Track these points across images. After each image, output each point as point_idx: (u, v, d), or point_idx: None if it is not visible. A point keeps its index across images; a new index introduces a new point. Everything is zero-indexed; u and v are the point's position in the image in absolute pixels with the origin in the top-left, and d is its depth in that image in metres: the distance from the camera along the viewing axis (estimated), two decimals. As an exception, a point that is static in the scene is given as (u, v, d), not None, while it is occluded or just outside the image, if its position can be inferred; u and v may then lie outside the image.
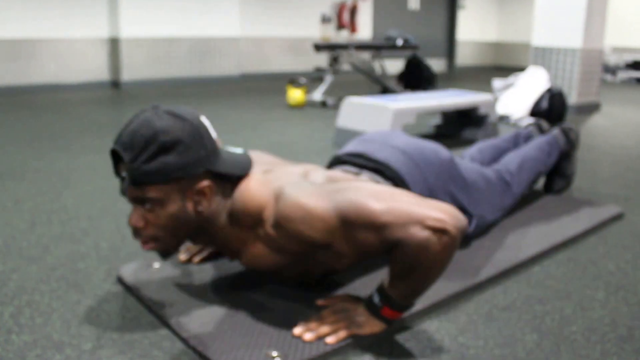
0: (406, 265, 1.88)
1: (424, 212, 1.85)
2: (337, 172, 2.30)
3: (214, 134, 2.04)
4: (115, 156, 1.97)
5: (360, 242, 1.93)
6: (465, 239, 2.83)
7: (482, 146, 3.48)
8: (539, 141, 3.45)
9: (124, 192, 1.96)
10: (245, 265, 2.16)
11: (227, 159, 2.05)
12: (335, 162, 2.69)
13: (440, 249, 1.84)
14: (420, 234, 1.83)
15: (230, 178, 2.07)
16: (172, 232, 2.00)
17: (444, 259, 1.87)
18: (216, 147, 2.03)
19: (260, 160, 2.37)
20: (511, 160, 3.22)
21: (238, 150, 2.14)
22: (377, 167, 2.54)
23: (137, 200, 1.96)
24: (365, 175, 2.49)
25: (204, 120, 2.04)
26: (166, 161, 1.89)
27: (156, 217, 1.96)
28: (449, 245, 1.85)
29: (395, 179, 2.50)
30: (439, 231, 1.83)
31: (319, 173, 2.23)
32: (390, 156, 2.54)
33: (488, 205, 2.87)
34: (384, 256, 1.96)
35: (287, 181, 2.09)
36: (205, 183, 1.97)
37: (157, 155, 1.89)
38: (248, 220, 2.05)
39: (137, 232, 2.00)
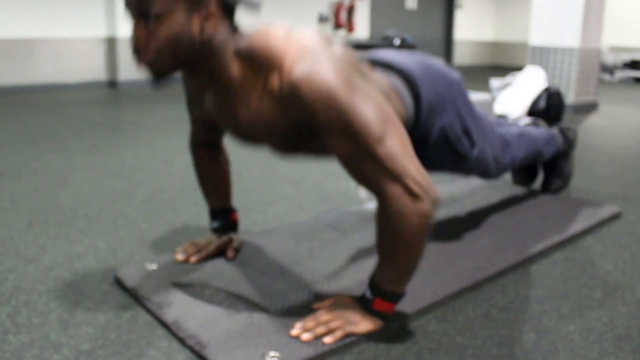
0: (384, 234, 1.93)
1: (410, 170, 1.87)
2: (357, 56, 2.18)
3: None
4: None
5: (351, 154, 1.90)
6: (466, 166, 2.73)
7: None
8: (539, 129, 3.44)
9: (128, 4, 1.90)
10: (238, 126, 2.10)
11: None
12: None
13: (414, 216, 1.86)
14: (400, 196, 1.86)
15: (241, 5, 1.97)
16: (173, 50, 1.92)
17: (418, 228, 1.88)
18: None
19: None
20: (512, 128, 3.19)
21: None
22: (389, 65, 2.47)
23: (141, 14, 1.89)
24: (379, 71, 2.43)
25: None
26: None
27: (159, 32, 1.88)
28: (423, 214, 1.87)
29: (405, 77, 2.43)
30: (415, 196, 1.86)
31: (341, 47, 2.07)
32: (402, 60, 2.48)
33: (489, 146, 2.80)
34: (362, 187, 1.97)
35: (314, 42, 1.95)
36: (213, 5, 1.91)
37: None
38: (264, 61, 1.93)
39: (137, 47, 1.93)
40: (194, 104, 2.48)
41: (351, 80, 1.90)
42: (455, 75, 2.62)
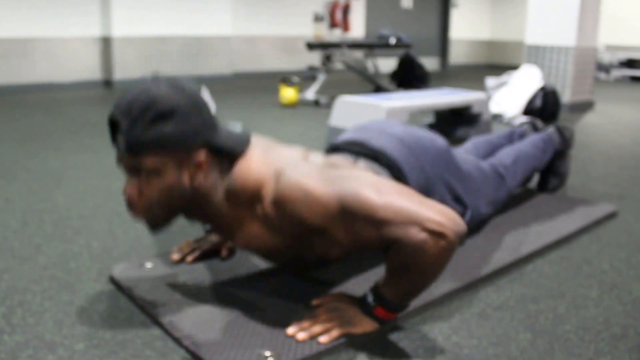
0: (402, 266, 1.88)
1: (424, 214, 1.84)
2: (336, 158, 2.28)
3: (213, 108, 2.01)
4: (113, 124, 1.95)
5: (358, 233, 1.91)
6: None
7: (477, 141, 3.47)
8: (534, 138, 3.45)
9: (119, 160, 1.94)
10: (239, 245, 2.14)
11: (226, 134, 2.03)
12: (332, 149, 2.66)
13: (437, 253, 1.83)
14: (419, 235, 1.82)
15: (228, 154, 2.03)
16: (166, 204, 1.98)
17: (440, 263, 1.86)
18: (214, 121, 2.01)
19: (259, 142, 2.34)
20: (506, 154, 3.21)
21: (237, 127, 2.12)
22: (374, 154, 2.50)
23: (133, 170, 1.94)
24: (363, 163, 2.46)
25: (205, 93, 2.00)
26: (163, 130, 1.88)
27: (151, 187, 1.94)
28: (446, 249, 1.84)
29: (392, 166, 2.47)
30: (438, 235, 1.82)
31: (318, 157, 2.18)
32: (386, 144, 2.51)
33: (483, 197, 2.85)
34: (379, 251, 1.95)
35: (287, 161, 2.05)
36: (202, 156, 1.96)
37: (154, 123, 1.87)
38: (245, 197, 2.02)
39: (131, 202, 1.99)
40: None
41: (328, 175, 1.97)
42: (441, 143, 2.67)
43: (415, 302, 2.22)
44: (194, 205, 2.03)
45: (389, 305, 1.99)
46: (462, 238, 1.89)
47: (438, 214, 1.85)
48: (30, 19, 9.08)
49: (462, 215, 2.70)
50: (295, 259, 2.16)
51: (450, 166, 2.68)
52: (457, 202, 2.69)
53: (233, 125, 2.00)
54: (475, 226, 2.91)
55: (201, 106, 1.96)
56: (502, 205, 3.04)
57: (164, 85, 1.94)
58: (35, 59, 9.24)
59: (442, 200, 2.59)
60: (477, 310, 2.25)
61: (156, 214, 2.00)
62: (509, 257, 2.68)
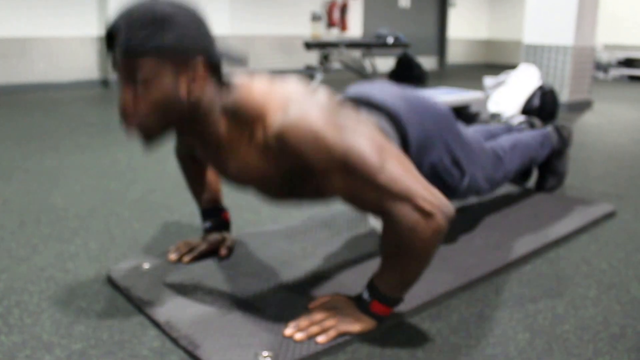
0: (393, 245, 1.90)
1: (419, 190, 1.86)
2: (343, 105, 2.19)
3: (211, 27, 2.00)
4: (110, 37, 1.91)
5: (354, 189, 1.90)
6: (457, 195, 2.74)
7: (476, 128, 3.45)
8: (532, 132, 3.44)
9: (115, 65, 1.90)
10: (231, 176, 2.10)
11: (224, 50, 1.99)
12: None
13: (427, 234, 1.85)
14: (411, 214, 1.84)
15: (227, 66, 1.97)
16: (161, 113, 1.92)
17: (429, 246, 1.87)
18: (212, 35, 1.97)
19: (265, 75, 2.24)
20: (504, 140, 3.19)
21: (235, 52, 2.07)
22: (376, 106, 2.45)
23: (128, 76, 1.88)
24: (365, 113, 2.41)
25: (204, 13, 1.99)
26: (161, 35, 1.84)
27: (146, 95, 1.88)
28: (436, 231, 1.86)
29: (392, 118, 2.42)
30: (428, 215, 1.84)
31: (324, 95, 2.08)
32: (388, 98, 2.47)
33: (480, 169, 2.80)
34: (373, 213, 1.95)
35: (297, 94, 1.98)
36: (199, 66, 1.91)
37: (153, 28, 1.83)
38: (247, 119, 1.95)
39: (125, 112, 1.92)
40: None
41: (336, 120, 1.92)
42: (442, 107, 2.63)
43: (414, 302, 2.22)
44: (189, 119, 1.98)
45: (384, 298, 2.00)
46: (451, 221, 1.90)
47: (430, 194, 1.87)
48: (28, 18, 9.08)
49: (460, 180, 2.65)
50: (289, 194, 2.12)
51: (451, 129, 2.62)
52: (456, 166, 2.62)
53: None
54: (469, 194, 2.83)
55: (200, 19, 1.93)
56: (497, 185, 3.01)
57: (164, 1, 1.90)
58: (33, 58, 9.24)
59: (441, 161, 2.54)
60: (475, 310, 2.24)
61: (150, 125, 1.93)
62: (507, 256, 2.67)
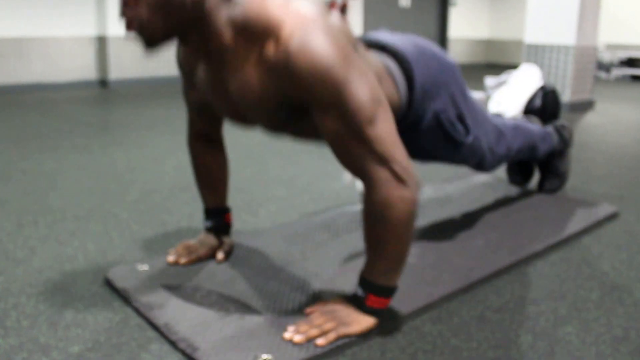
0: (371, 223, 1.93)
1: (397, 154, 1.89)
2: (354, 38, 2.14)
3: None
4: None
5: (341, 135, 1.88)
6: (460, 153, 2.70)
7: None
8: (534, 124, 3.42)
9: None
10: (229, 101, 2.08)
11: None
12: None
13: (400, 201, 1.87)
14: (386, 178, 1.87)
15: None
16: (163, 14, 1.86)
17: (404, 214, 1.89)
18: None
19: None
20: (507, 120, 3.17)
21: None
22: (384, 47, 2.43)
23: None
24: (373, 51, 2.39)
25: None
26: None
27: None
28: (408, 199, 1.88)
29: (399, 58, 2.40)
30: (401, 181, 1.87)
31: (340, 21, 2.01)
32: (397, 41, 2.45)
33: (484, 134, 2.78)
34: (351, 172, 1.96)
35: (313, 13, 1.89)
36: None
37: None
38: (259, 29, 1.88)
39: (125, 11, 1.87)
40: (189, 87, 2.44)
41: (348, 54, 1.87)
42: (450, 59, 2.59)
43: (414, 304, 2.21)
44: (192, 25, 1.92)
45: (377, 289, 2.00)
46: (419, 192, 1.93)
47: (407, 162, 1.90)
48: (25, 18, 9.07)
49: (465, 136, 2.61)
50: (285, 125, 2.09)
51: (457, 82, 2.59)
52: (460, 121, 2.60)
53: None
54: (471, 157, 2.78)
55: None
56: (497, 160, 2.99)
57: None
58: (30, 58, 9.23)
59: (445, 111, 2.51)
60: (476, 313, 2.23)
61: (151, 27, 1.88)
62: (508, 258, 2.66)
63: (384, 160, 1.86)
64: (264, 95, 1.94)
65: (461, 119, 2.58)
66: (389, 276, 1.99)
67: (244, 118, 2.14)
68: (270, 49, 1.86)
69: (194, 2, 1.87)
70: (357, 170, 1.92)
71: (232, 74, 1.98)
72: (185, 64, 2.35)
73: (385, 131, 1.88)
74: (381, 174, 1.87)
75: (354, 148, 1.88)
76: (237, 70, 1.96)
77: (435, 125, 2.51)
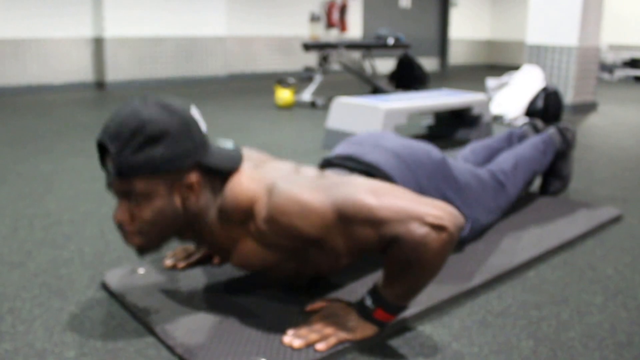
0: (403, 262, 1.86)
1: (423, 209, 1.84)
2: (329, 172, 2.24)
3: (203, 127, 1.99)
4: (102, 148, 1.93)
5: (357, 238, 1.90)
6: (460, 243, 2.78)
7: (475, 147, 3.44)
8: (534, 140, 3.42)
9: (109, 185, 1.92)
10: (235, 264, 2.11)
11: (217, 153, 2.01)
12: (325, 165, 2.65)
13: (438, 246, 1.82)
14: (420, 230, 1.81)
15: (220, 172, 2.01)
16: (158, 227, 1.95)
17: (441, 257, 1.85)
18: (206, 140, 1.99)
19: (250, 157, 2.31)
20: (505, 159, 3.18)
21: (228, 145, 2.09)
22: (368, 169, 2.49)
23: (123, 194, 1.92)
24: (355, 175, 2.42)
25: (194, 112, 1.99)
26: (153, 153, 1.85)
27: (143, 211, 1.92)
28: (447, 242, 1.84)
29: (387, 180, 2.45)
30: (438, 228, 1.82)
31: (310, 170, 2.17)
32: (380, 158, 2.51)
33: (482, 208, 2.83)
34: (378, 254, 1.95)
35: (279, 175, 2.04)
36: (193, 177, 1.93)
37: (144, 146, 1.84)
38: (238, 215, 2.00)
39: (122, 227, 1.96)
40: None
41: (320, 185, 1.97)
42: (437, 155, 2.66)
43: (415, 309, 2.19)
44: (186, 227, 2.02)
45: (389, 306, 1.97)
46: (461, 229, 1.90)
47: (436, 208, 1.86)
48: (21, 19, 9.06)
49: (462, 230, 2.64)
50: (292, 274, 2.14)
51: (447, 178, 2.66)
52: None
53: (224, 143, 2.00)
54: (475, 236, 2.88)
55: (192, 127, 1.94)
56: (504, 212, 3.03)
57: (153, 106, 1.90)
58: (26, 60, 9.22)
59: None
60: (478, 317, 2.21)
61: (149, 238, 1.98)
62: (510, 262, 2.64)
63: (413, 220, 1.83)
64: (269, 258, 2.05)
65: None
66: (405, 298, 1.96)
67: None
68: (251, 226, 2.01)
69: (186, 211, 1.98)
70: (388, 242, 1.88)
71: (230, 250, 2.10)
72: None
73: (396, 201, 1.89)
74: (413, 227, 1.82)
75: (375, 234, 1.88)
76: (233, 247, 2.08)
77: None
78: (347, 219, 1.88)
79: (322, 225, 1.89)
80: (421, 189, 2.51)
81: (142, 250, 2.01)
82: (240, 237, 2.04)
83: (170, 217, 1.94)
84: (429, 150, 2.64)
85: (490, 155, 3.40)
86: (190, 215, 1.98)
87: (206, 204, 2.00)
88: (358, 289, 2.36)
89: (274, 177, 2.03)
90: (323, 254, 2.01)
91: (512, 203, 3.08)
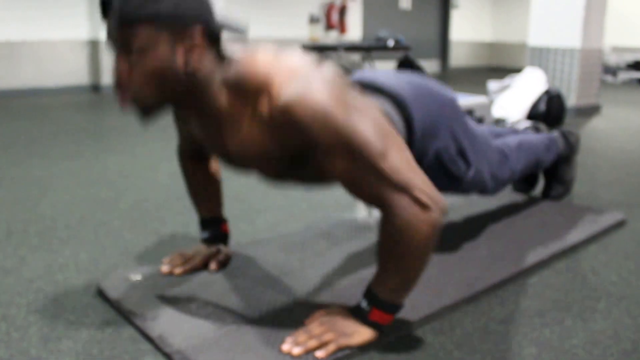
0: (389, 243, 1.89)
1: (417, 180, 1.86)
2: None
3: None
4: (105, 3, 1.89)
5: (354, 173, 1.88)
6: (462, 188, 2.68)
7: (482, 127, 3.40)
8: (539, 135, 3.38)
9: (110, 35, 1.87)
10: (230, 155, 2.07)
11: (223, 20, 1.96)
12: None
13: (424, 225, 1.84)
14: (408, 205, 1.84)
15: (226, 36, 1.97)
16: (156, 84, 1.89)
17: (426, 238, 1.86)
18: (212, 6, 1.93)
19: (269, 45, 2.21)
20: (510, 138, 3.15)
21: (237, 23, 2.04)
22: (381, 90, 2.40)
23: (124, 46, 1.86)
24: (369, 95, 2.34)
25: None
26: (158, 4, 1.82)
27: (142, 65, 1.86)
28: (432, 223, 1.85)
29: (396, 101, 2.36)
30: (424, 206, 1.84)
31: (330, 69, 2.03)
32: (393, 82, 2.42)
33: (486, 163, 2.75)
34: (370, 204, 1.93)
35: (303, 64, 1.94)
36: (197, 37, 1.88)
37: None
38: (251, 89, 1.91)
39: (119, 81, 1.89)
40: (181, 121, 2.45)
41: (345, 98, 1.89)
42: (449, 93, 2.58)
43: (416, 315, 2.17)
44: (186, 92, 1.94)
45: (384, 305, 1.97)
46: (445, 214, 1.90)
47: (427, 187, 1.87)
48: (15, 20, 9.04)
49: (466, 171, 2.60)
50: (289, 174, 2.10)
51: (457, 117, 2.57)
52: (461, 156, 2.58)
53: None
54: (473, 188, 2.76)
55: None
56: (502, 186, 2.98)
57: None
58: (21, 62, 9.21)
59: (446, 149, 2.50)
60: (480, 324, 2.19)
61: (146, 96, 1.90)
62: (512, 267, 2.62)
63: (403, 189, 1.84)
64: (264, 149, 1.96)
65: (462, 153, 2.57)
66: (398, 294, 1.96)
67: (244, 168, 2.13)
68: (263, 106, 1.89)
69: (187, 72, 1.90)
70: (376, 202, 1.89)
71: (229, 134, 2.01)
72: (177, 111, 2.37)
73: (399, 161, 1.87)
74: (402, 201, 1.84)
75: (369, 183, 1.87)
76: (234, 130, 1.99)
77: (437, 164, 2.49)
78: (353, 152, 1.85)
79: (333, 140, 1.84)
80: (431, 116, 2.42)
81: (140, 108, 1.93)
82: (245, 116, 1.95)
83: (170, 74, 1.88)
84: (443, 87, 2.57)
85: (496, 136, 3.36)
86: (190, 76, 1.91)
87: (210, 70, 1.93)
88: (359, 294, 2.33)
89: (297, 65, 1.93)
90: (320, 167, 1.97)
91: (510, 181, 3.01)
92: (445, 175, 2.52)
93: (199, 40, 1.88)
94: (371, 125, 1.88)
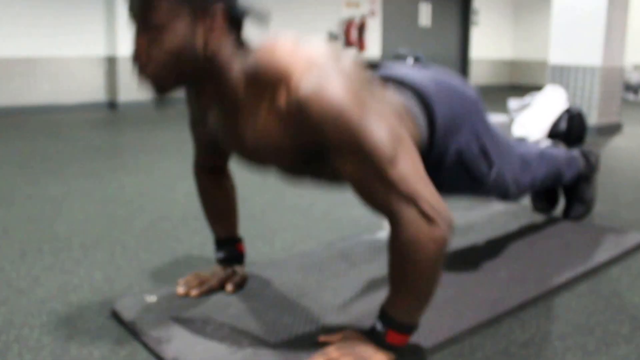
0: (397, 259, 1.87)
1: (424, 192, 1.84)
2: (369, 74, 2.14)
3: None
4: None
5: (362, 177, 1.86)
6: (483, 189, 2.65)
7: None
8: (559, 150, 3.34)
9: (131, 10, 1.88)
10: (244, 147, 2.05)
11: (246, 6, 1.95)
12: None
13: (430, 241, 1.82)
14: (414, 219, 1.82)
15: (245, 36, 1.98)
16: (174, 62, 1.89)
17: (433, 253, 1.83)
18: None
19: (289, 35, 2.16)
20: (532, 147, 3.12)
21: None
22: (403, 83, 2.38)
23: (143, 20, 1.86)
24: (391, 88, 2.33)
25: None
26: None
27: (161, 41, 1.86)
28: (438, 239, 1.83)
29: (419, 96, 2.34)
30: (431, 220, 1.81)
31: (352, 60, 2.02)
32: (417, 77, 2.40)
33: (508, 165, 2.72)
34: (374, 209, 1.91)
35: (323, 55, 1.91)
36: (219, 18, 1.88)
37: None
38: (270, 78, 1.88)
39: (137, 57, 1.90)
40: (198, 125, 2.45)
41: (362, 97, 1.86)
42: (472, 92, 2.54)
43: (434, 339, 2.14)
44: (204, 74, 1.94)
45: (398, 325, 1.95)
46: (451, 230, 1.87)
47: (435, 199, 1.85)
48: (32, 38, 9.10)
49: (488, 171, 2.56)
50: (304, 171, 2.10)
51: (480, 116, 2.54)
52: (484, 155, 2.54)
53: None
54: (494, 191, 2.73)
55: None
56: (524, 193, 2.96)
57: None
58: (38, 79, 9.25)
59: (468, 147, 2.46)
60: (500, 348, 2.15)
61: (163, 74, 1.91)
62: (534, 289, 2.59)
63: (410, 200, 1.82)
64: (280, 142, 1.94)
65: (484, 153, 2.52)
66: (412, 314, 1.94)
67: (260, 162, 2.11)
68: (281, 97, 1.87)
69: (207, 56, 1.90)
70: (383, 210, 1.87)
71: (246, 123, 1.99)
72: (194, 104, 2.38)
73: (408, 169, 1.85)
74: (408, 213, 1.82)
75: (376, 190, 1.85)
76: (251, 119, 1.97)
77: (458, 162, 2.45)
78: (362, 155, 1.83)
79: (343, 140, 1.82)
80: (453, 112, 2.38)
81: (156, 86, 1.94)
82: (262, 106, 1.93)
83: (189, 54, 1.88)
84: (466, 85, 2.54)
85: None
86: (209, 58, 1.91)
87: (229, 54, 1.93)
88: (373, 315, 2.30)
89: (317, 56, 1.91)
90: (332, 167, 1.95)
91: (532, 188, 2.98)
92: (467, 176, 2.49)
93: (220, 21, 1.89)
94: (384, 128, 1.85)
